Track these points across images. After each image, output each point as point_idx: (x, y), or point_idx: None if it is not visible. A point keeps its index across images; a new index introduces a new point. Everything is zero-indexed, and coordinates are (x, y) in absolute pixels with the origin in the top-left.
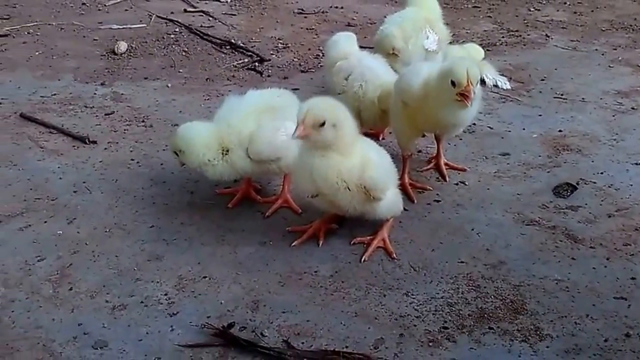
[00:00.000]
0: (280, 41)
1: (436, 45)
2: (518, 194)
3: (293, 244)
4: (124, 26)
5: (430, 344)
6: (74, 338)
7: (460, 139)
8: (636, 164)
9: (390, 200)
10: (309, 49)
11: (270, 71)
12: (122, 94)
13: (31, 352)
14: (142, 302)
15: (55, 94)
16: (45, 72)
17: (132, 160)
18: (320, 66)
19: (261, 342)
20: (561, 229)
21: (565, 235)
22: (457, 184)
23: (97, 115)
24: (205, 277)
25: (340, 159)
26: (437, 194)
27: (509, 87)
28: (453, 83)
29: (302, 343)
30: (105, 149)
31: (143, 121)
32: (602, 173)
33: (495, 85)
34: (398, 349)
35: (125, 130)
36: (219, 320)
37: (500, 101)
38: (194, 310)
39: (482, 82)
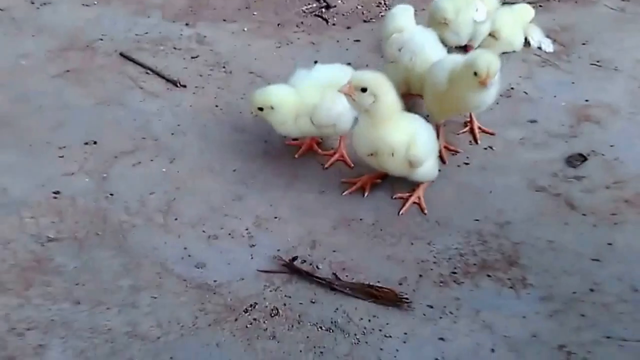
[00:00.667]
0: None
1: (484, 16)
2: (535, 161)
3: (344, 193)
4: None
5: (441, 284)
6: (181, 258)
7: (497, 103)
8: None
9: (429, 169)
10: None
11: (335, 19)
12: (204, 36)
13: (152, 268)
14: (229, 234)
15: (147, 33)
16: (137, 7)
17: (216, 106)
18: (382, 16)
19: (316, 273)
20: (563, 197)
21: (565, 202)
22: (485, 149)
23: (184, 58)
24: (276, 217)
25: (392, 129)
26: (467, 157)
27: (551, 50)
28: (475, 73)
29: (346, 276)
30: (194, 93)
31: (223, 67)
32: (612, 146)
33: (539, 48)
34: (416, 286)
35: (208, 74)
36: (286, 254)
37: (540, 65)
38: (268, 244)
39: (527, 43)
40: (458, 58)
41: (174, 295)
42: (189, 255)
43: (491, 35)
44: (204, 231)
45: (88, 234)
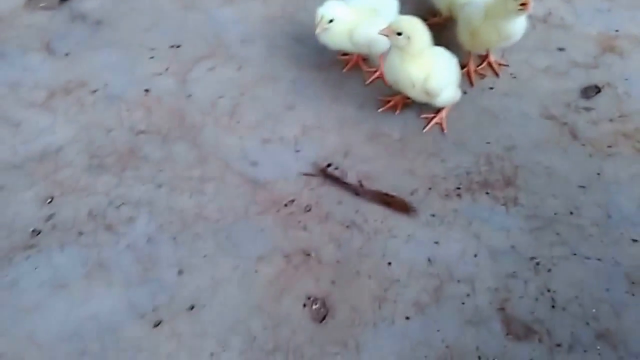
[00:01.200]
0: None
1: None
2: (554, 90)
3: (379, 110)
4: None
5: (445, 196)
6: (240, 157)
7: (534, 28)
8: None
9: (448, 97)
10: None
11: None
12: None
13: (217, 162)
14: (280, 138)
15: None
16: None
17: (282, 17)
18: None
19: (345, 179)
20: (569, 126)
21: (569, 131)
22: (511, 74)
23: None
24: (319, 127)
25: (413, 64)
26: (493, 82)
27: None
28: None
29: (369, 184)
30: (263, 2)
31: None
32: (626, 79)
33: None
34: (424, 197)
35: None
36: (324, 159)
37: None
38: (310, 150)
39: None
40: None
41: (233, 186)
42: (246, 155)
43: None
44: (260, 134)
45: (170, 129)
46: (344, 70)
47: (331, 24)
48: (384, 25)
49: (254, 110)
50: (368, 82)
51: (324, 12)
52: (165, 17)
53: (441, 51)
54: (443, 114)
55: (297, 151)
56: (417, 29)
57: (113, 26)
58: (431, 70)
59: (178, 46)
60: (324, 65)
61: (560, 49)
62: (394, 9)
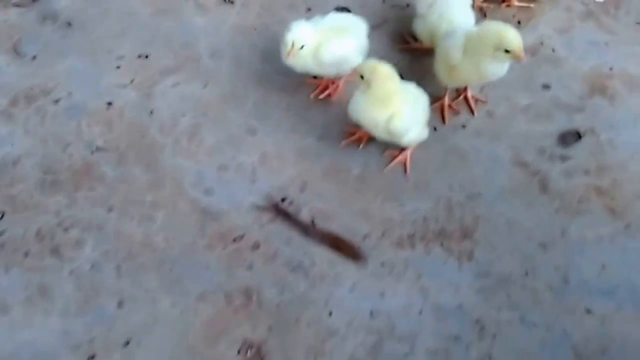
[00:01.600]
0: None
1: None
2: (530, 133)
3: (342, 142)
4: None
5: (398, 244)
6: (195, 183)
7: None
8: None
9: (414, 136)
10: None
11: None
12: None
13: (172, 187)
14: (237, 166)
15: None
16: None
17: (255, 29)
18: None
19: (298, 216)
20: (540, 176)
21: (539, 182)
22: (487, 111)
23: None
24: (278, 156)
25: (377, 104)
26: (466, 120)
27: (602, 0)
28: (507, 51)
29: (322, 223)
30: (238, 12)
31: None
32: (612, 127)
33: None
34: (377, 243)
35: None
36: (279, 192)
37: (582, 18)
38: (266, 181)
39: None
40: (470, 28)
41: (183, 215)
42: (202, 182)
43: None
44: (217, 160)
45: (128, 147)
46: (311, 95)
47: (302, 49)
48: (350, 45)
49: (215, 133)
50: (313, 95)
51: (295, 37)
52: (137, 22)
53: (409, 89)
54: (408, 153)
55: (253, 181)
56: (379, 76)
57: (83, 29)
58: (396, 110)
59: (146, 56)
60: (291, 87)
61: (545, 87)
62: (363, 29)
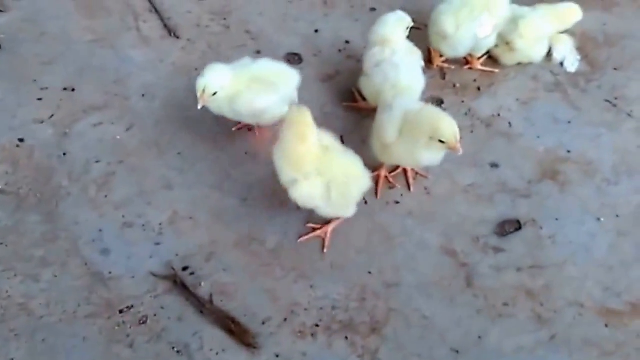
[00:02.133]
0: None
1: (490, 31)
2: (467, 218)
3: (300, 239)
4: None
5: (298, 334)
6: (92, 241)
7: (472, 132)
8: (598, 219)
9: (340, 210)
10: None
11: None
12: None
13: (66, 243)
14: (143, 225)
15: None
16: None
17: (196, 70)
18: None
19: (197, 289)
20: (467, 269)
21: (466, 276)
22: (425, 189)
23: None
24: (191, 217)
25: (285, 161)
26: (401, 195)
27: (574, 70)
28: (442, 141)
29: (221, 300)
30: (182, 48)
31: (224, 19)
32: (557, 219)
33: (561, 64)
34: (276, 330)
35: (206, 26)
36: (183, 259)
37: (549, 89)
38: (171, 245)
39: (549, 55)
40: (411, 106)
41: (72, 277)
42: (101, 239)
43: (507, 43)
44: (123, 216)
45: (30, 192)
46: (234, 129)
47: (215, 96)
48: (271, 97)
49: (128, 184)
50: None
51: (207, 83)
52: (71, 51)
53: (341, 161)
54: (329, 227)
55: (157, 244)
56: (291, 132)
57: (12, 53)
58: (300, 178)
59: (72, 89)
60: (223, 138)
61: (494, 165)
62: (292, 80)
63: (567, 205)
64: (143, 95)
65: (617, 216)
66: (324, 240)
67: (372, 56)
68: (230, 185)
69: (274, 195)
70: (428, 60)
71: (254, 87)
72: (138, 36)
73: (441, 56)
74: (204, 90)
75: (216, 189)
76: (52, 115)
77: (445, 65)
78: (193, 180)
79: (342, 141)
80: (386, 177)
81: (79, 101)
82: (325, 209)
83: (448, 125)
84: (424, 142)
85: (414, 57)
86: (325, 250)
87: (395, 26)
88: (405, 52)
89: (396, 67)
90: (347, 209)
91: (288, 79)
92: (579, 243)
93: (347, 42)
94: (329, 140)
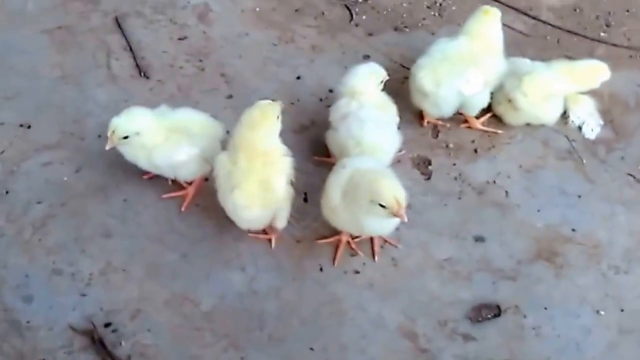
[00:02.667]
0: None
1: (479, 88)
2: (436, 297)
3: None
4: None
5: None
6: (17, 286)
7: (459, 199)
8: (597, 312)
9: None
10: None
11: (363, 16)
12: (210, 10)
13: None
14: (73, 273)
15: None
16: None
17: None
18: (421, 25)
19: (115, 349)
20: (428, 356)
21: None
22: (393, 259)
23: (171, 37)
24: (124, 270)
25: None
26: (363, 264)
27: (593, 137)
28: (382, 205)
29: None
30: (151, 89)
31: (200, 60)
32: (546, 308)
33: (579, 128)
34: None
35: (180, 67)
36: (107, 315)
37: (561, 157)
38: (98, 297)
39: (564, 115)
40: (362, 164)
41: None
42: (26, 285)
43: (509, 101)
44: (53, 262)
45: None
46: (182, 209)
47: (126, 140)
48: (189, 152)
49: (65, 229)
50: (183, 208)
51: (119, 125)
52: (35, 86)
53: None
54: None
55: (83, 295)
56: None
57: None
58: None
59: (29, 126)
60: (175, 188)
61: (479, 239)
62: (216, 132)
63: (561, 293)
64: (99, 136)
65: (622, 310)
66: None
67: (338, 108)
68: (173, 239)
69: (218, 253)
70: (420, 115)
71: (173, 137)
72: (107, 74)
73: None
74: (114, 132)
75: (157, 241)
76: (3, 152)
77: (439, 122)
78: (134, 230)
79: (305, 199)
80: (348, 242)
81: (32, 139)
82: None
83: (388, 188)
84: (365, 206)
85: (386, 113)
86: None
87: (366, 78)
88: (375, 106)
89: (361, 122)
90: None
91: (212, 131)
92: (569, 338)
93: (331, 90)
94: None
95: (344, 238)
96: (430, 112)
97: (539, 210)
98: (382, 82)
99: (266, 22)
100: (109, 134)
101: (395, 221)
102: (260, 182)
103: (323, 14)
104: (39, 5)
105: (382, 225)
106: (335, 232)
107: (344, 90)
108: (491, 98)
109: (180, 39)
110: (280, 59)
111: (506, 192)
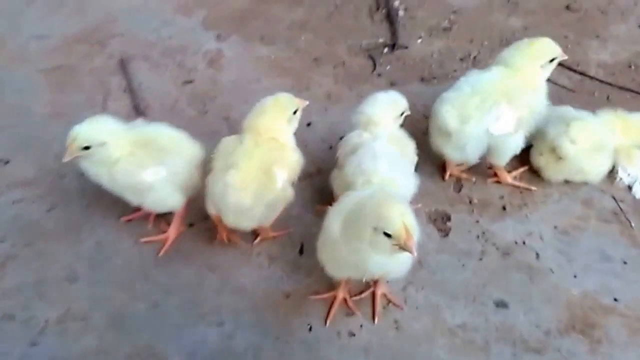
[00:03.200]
0: (451, 18)
1: (511, 126)
2: None
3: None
4: None
5: None
6: None
7: (480, 259)
8: None
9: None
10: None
11: (388, 66)
12: (223, 56)
13: None
14: (26, 320)
15: (170, 37)
16: (186, 3)
17: None
18: (452, 78)
19: None
20: None
21: None
22: (395, 322)
23: (176, 80)
24: (84, 319)
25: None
26: (360, 327)
27: None
28: (388, 234)
29: None
30: None
31: (204, 104)
32: None
33: (630, 188)
34: None
35: (181, 110)
36: None
37: (604, 219)
38: (49, 348)
39: (612, 171)
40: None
41: None
42: None
43: (552, 149)
44: (7, 306)
45: None
46: (160, 254)
47: (88, 152)
48: (158, 172)
49: (27, 271)
50: (161, 253)
51: (80, 134)
52: (23, 122)
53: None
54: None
55: (34, 345)
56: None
57: None
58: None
59: (7, 162)
60: (152, 232)
61: (500, 304)
62: (190, 151)
63: None
64: (81, 175)
65: None
66: None
67: (349, 140)
68: (145, 287)
69: (195, 305)
70: (442, 168)
71: (139, 152)
72: (101, 113)
73: (459, 164)
74: (74, 140)
75: (126, 288)
76: None
77: (464, 175)
78: (102, 275)
79: (301, 251)
80: (345, 300)
81: (8, 175)
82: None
83: (396, 212)
84: (368, 235)
85: (403, 150)
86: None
87: (385, 107)
88: (391, 140)
89: (374, 155)
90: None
91: (187, 151)
92: None
93: (342, 138)
94: None
95: (341, 294)
96: (453, 155)
97: (575, 276)
98: (402, 114)
99: (280, 70)
100: (67, 143)
101: (404, 261)
102: (261, 168)
103: (344, 63)
104: (42, 45)
105: (386, 263)
106: (331, 288)
107: (359, 119)
108: (528, 148)
109: (186, 82)
110: None
111: (537, 254)
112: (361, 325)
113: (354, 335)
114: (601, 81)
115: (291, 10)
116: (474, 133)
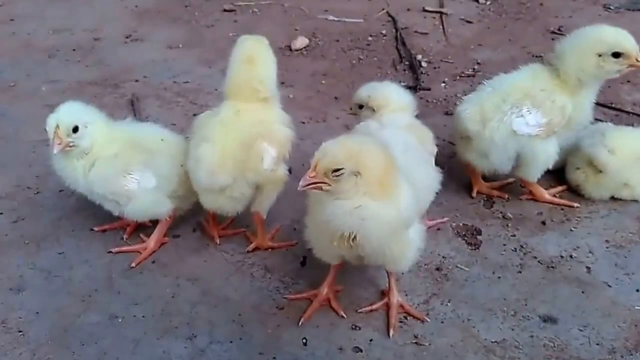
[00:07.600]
0: (475, 68)
1: (538, 128)
2: None
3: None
4: (340, 19)
5: None
6: None
7: (520, 272)
8: None
9: None
10: None
11: None
12: None
13: None
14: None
15: (186, 82)
16: (209, 56)
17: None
18: None
19: None
20: None
21: None
22: (414, 338)
23: (186, 113)
24: (20, 331)
25: None
26: (370, 341)
27: None
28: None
29: None
30: None
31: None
32: None
33: None
34: None
35: (186, 137)
36: None
37: None
38: None
39: None
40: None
41: None
42: None
43: (590, 162)
44: None
45: None
46: (132, 265)
47: (76, 135)
48: (144, 178)
49: None
50: (135, 263)
51: (61, 118)
52: (11, 147)
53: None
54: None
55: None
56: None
57: None
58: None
59: None
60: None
61: (548, 319)
62: (178, 149)
63: None
64: (60, 191)
65: None
66: None
67: (357, 131)
68: (105, 298)
69: (161, 318)
70: (470, 186)
71: (122, 154)
72: None
73: (486, 179)
74: (58, 126)
75: (83, 300)
76: None
77: (495, 192)
78: (57, 286)
79: (303, 263)
80: (329, 299)
81: None
82: None
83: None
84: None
85: (420, 137)
86: None
87: (391, 89)
88: (406, 129)
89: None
90: None
91: (173, 148)
92: None
93: None
94: None
95: (324, 291)
96: (479, 164)
97: (638, 290)
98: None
99: (299, 106)
100: (52, 133)
101: (376, 214)
102: (242, 143)
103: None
104: (54, 87)
105: (352, 214)
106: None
107: (363, 101)
108: (564, 166)
109: (195, 114)
110: (306, 134)
111: (587, 267)
112: (371, 340)
113: (361, 351)
114: (638, 115)
115: (314, 62)
116: (497, 136)
